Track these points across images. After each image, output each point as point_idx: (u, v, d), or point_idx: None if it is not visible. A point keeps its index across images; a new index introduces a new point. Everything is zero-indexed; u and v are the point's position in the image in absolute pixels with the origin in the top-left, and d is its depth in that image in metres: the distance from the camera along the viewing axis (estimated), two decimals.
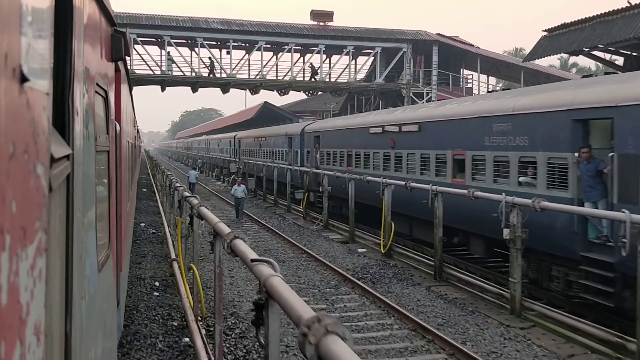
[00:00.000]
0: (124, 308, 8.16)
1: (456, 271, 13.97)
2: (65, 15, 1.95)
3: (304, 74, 43.78)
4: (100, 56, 3.38)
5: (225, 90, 44.35)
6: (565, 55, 46.54)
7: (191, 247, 9.90)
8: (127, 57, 5.68)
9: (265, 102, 63.75)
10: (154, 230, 21.29)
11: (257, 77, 43.39)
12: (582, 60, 68.23)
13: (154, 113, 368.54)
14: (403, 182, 16.01)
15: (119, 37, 4.20)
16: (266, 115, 66.33)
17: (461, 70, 49.52)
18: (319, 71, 43.55)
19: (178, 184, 15.67)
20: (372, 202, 19.09)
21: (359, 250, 18.00)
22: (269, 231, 22.49)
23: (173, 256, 13.41)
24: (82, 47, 2.33)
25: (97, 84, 3.09)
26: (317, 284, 13.76)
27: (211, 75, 42.07)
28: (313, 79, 43.42)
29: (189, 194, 10.74)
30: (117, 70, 5.11)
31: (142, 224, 22.71)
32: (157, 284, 12.82)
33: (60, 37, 1.89)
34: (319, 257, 16.37)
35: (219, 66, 42.20)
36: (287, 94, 45.53)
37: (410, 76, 45.26)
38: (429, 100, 44.84)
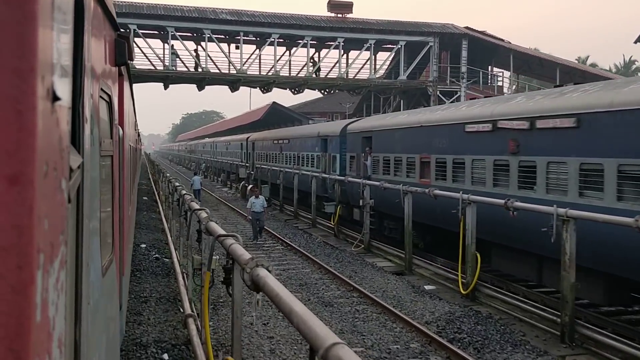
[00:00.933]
0: (126, 312, 7.90)
1: (595, 331, 9.67)
2: (76, 23, 1.87)
3: (317, 70, 39.63)
4: (104, 61, 3.39)
5: (234, 88, 40.16)
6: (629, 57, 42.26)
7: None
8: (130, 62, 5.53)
9: (274, 103, 59.55)
10: (157, 255, 17.06)
11: (269, 73, 39.23)
12: None
13: (155, 115, 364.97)
14: (546, 208, 10.33)
15: (122, 41, 4.24)
16: (275, 116, 62.13)
17: (489, 67, 45.43)
18: (321, 67, 39.40)
19: (184, 191, 12.54)
20: (437, 223, 14.91)
21: (426, 287, 13.75)
22: (296, 253, 18.30)
23: (187, 308, 9.21)
24: (89, 53, 2.32)
25: (102, 89, 3.10)
26: (392, 348, 9.56)
27: (207, 71, 37.93)
28: (314, 75, 39.29)
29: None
30: (120, 74, 5.04)
31: (143, 245, 18.49)
32: (165, 357, 8.58)
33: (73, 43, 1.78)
34: (377, 299, 12.16)
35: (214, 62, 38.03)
36: (302, 92, 41.34)
37: (438, 73, 41.09)
38: (457, 100, 40.73)
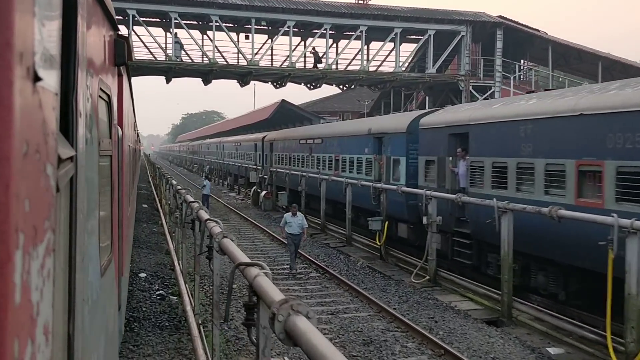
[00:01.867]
0: (125, 312, 7.71)
1: None
2: (69, 16, 1.91)
3: (331, 63, 35.39)
4: (103, 60, 3.40)
5: (243, 82, 35.93)
6: None
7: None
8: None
9: (283, 101, 55.35)
10: (162, 292, 12.84)
11: (284, 65, 35.03)
12: None
13: (154, 116, 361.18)
14: None
15: (121, 41, 4.21)
16: (283, 115, 57.87)
17: (521, 60, 41.30)
18: (338, 60, 35.17)
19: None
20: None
21: (551, 351, 9.48)
22: (340, 284, 14.11)
23: None
24: (85, 49, 2.32)
25: (101, 89, 3.10)
26: None
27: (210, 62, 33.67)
28: (316, 67, 35.07)
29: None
30: (119, 74, 5.02)
31: (143, 275, 14.27)
32: None
33: (63, 38, 1.74)
34: None
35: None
36: (320, 86, 37.09)
37: (470, 66, 36.90)
38: (491, 96, 36.56)
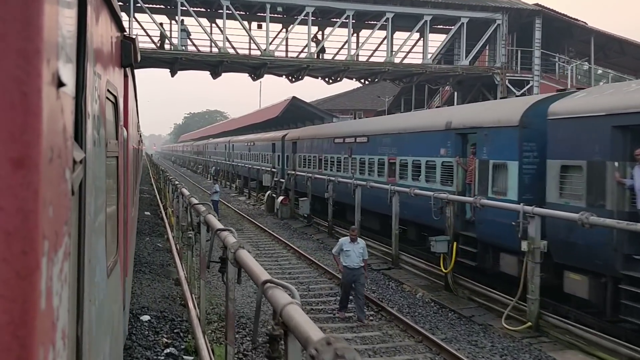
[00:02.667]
0: (129, 312, 7.64)
1: None
2: (79, 20, 1.88)
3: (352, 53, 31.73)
4: (111, 62, 3.39)
5: (256, 75, 32.30)
6: None
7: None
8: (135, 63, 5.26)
9: (294, 98, 51.77)
10: (171, 349, 9.19)
11: (301, 56, 31.43)
12: None
13: (155, 115, 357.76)
14: None
15: (128, 42, 4.20)
16: (293, 113, 54.25)
17: (558, 52, 37.65)
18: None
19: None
20: None
21: None
22: (408, 332, 10.50)
23: None
24: (93, 51, 2.30)
25: (108, 90, 3.10)
26: None
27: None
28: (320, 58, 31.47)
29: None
30: (125, 75, 4.93)
31: (146, 318, 10.63)
32: None
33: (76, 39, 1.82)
34: None
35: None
36: (340, 80, 33.44)
37: (506, 58, 33.25)
38: (529, 92, 32.94)
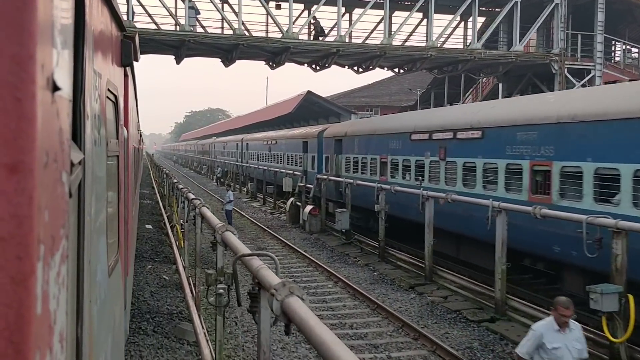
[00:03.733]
0: (130, 312, 7.51)
1: None
2: (77, 20, 1.87)
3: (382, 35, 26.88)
4: (111, 62, 3.37)
5: (275, 63, 27.58)
6: None
7: None
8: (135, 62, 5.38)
9: (309, 92, 47.03)
10: None
11: (328, 39, 26.68)
12: None
13: (156, 114, 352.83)
14: None
15: (128, 42, 4.15)
16: (307, 109, 49.48)
17: (618, 39, 32.90)
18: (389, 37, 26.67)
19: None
20: None
21: None
22: None
23: None
24: (92, 51, 2.29)
25: (109, 89, 3.09)
26: None
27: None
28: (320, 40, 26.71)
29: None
30: (125, 74, 4.86)
31: None
32: None
33: (74, 40, 1.76)
34: None
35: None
36: (372, 69, 28.66)
37: (565, 43, 28.51)
38: (590, 82, 28.22)
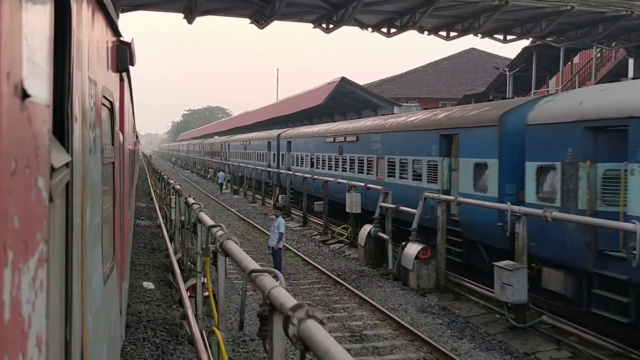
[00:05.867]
0: (125, 317, 7.49)
1: None
2: (62, 27, 1.88)
3: None
4: (106, 67, 3.36)
5: (333, 23, 18.43)
6: None
7: None
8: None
9: (343, 79, 37.93)
10: None
11: None
12: None
13: (152, 114, 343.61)
14: None
15: (124, 47, 4.15)
16: (335, 102, 40.33)
17: None
18: None
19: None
20: None
21: None
22: None
23: None
24: (81, 56, 2.27)
25: (104, 96, 3.07)
26: None
27: None
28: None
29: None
30: (121, 79, 4.90)
31: None
32: None
33: (58, 45, 1.79)
34: None
35: None
36: (483, 36, 19.41)
37: None
38: None
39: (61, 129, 1.85)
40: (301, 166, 28.40)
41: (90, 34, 2.44)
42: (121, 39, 4.19)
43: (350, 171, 21.55)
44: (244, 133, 52.96)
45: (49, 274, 1.28)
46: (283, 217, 14.79)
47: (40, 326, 1.14)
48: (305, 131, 29.62)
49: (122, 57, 4.11)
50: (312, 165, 26.65)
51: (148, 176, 41.87)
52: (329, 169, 24.21)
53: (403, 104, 38.52)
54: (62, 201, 1.85)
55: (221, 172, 42.61)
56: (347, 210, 18.49)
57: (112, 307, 3.67)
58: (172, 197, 15.92)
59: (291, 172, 27.42)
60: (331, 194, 21.09)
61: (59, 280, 1.76)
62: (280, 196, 27.62)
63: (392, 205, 15.19)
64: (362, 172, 20.21)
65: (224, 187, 41.26)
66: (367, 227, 16.26)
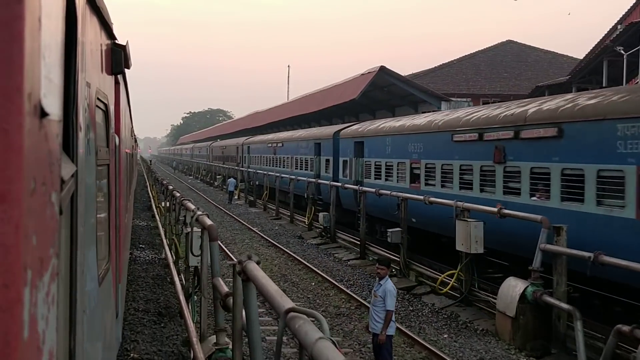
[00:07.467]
0: (122, 319, 7.30)
1: None
2: (70, 37, 1.81)
3: None
4: (101, 70, 3.32)
5: None
6: None
7: None
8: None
9: (382, 68, 31.25)
10: None
11: None
12: None
13: (150, 118, 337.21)
14: None
15: (118, 50, 4.13)
16: (368, 98, 33.66)
17: None
18: None
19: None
20: None
21: None
22: None
23: None
24: (84, 64, 2.23)
25: (98, 99, 3.02)
26: None
27: None
28: None
29: None
30: (116, 82, 4.81)
31: None
32: None
33: (65, 55, 1.68)
34: None
35: None
36: None
37: None
38: None
39: (66, 139, 1.78)
40: (380, 179, 18.57)
41: (86, 38, 2.40)
42: (116, 41, 4.16)
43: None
44: (254, 135, 46.11)
45: (58, 287, 1.25)
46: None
47: (52, 340, 1.13)
48: (395, 125, 18.38)
49: (117, 59, 4.08)
50: (414, 181, 16.41)
51: (148, 185, 35.24)
52: (436, 185, 15.20)
53: (452, 99, 31.92)
54: (68, 212, 1.80)
55: (232, 179, 35.88)
56: (458, 248, 11.85)
57: (107, 309, 3.58)
58: (185, 227, 9.23)
59: (371, 189, 17.15)
60: (442, 225, 13.84)
61: (63, 291, 1.66)
62: (321, 214, 20.85)
63: (587, 254, 8.47)
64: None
65: (235, 196, 34.59)
66: (514, 284, 9.66)
